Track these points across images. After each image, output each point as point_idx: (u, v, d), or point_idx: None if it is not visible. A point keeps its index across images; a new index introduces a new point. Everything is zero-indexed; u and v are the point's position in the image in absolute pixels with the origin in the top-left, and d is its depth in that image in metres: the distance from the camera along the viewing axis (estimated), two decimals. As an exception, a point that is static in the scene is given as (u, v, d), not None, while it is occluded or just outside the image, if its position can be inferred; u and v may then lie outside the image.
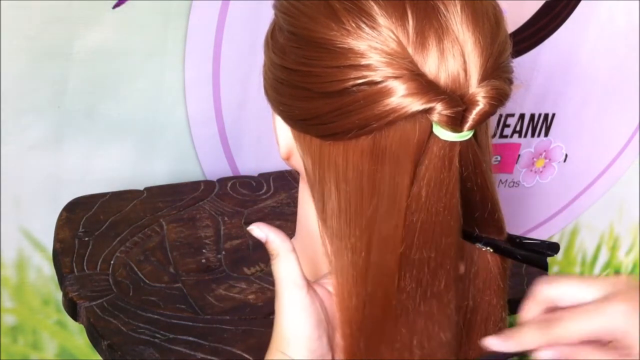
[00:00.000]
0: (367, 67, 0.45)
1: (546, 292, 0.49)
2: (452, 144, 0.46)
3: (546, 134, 1.13)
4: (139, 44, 0.81)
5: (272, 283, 0.69)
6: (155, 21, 0.81)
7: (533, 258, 0.52)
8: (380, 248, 0.49)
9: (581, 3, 1.02)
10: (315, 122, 0.49)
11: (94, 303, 0.64)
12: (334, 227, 0.51)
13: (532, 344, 0.46)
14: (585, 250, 1.29)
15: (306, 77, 0.48)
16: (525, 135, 1.11)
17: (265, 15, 0.56)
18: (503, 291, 0.55)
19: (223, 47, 0.86)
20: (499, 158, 1.12)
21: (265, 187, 0.84)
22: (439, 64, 0.45)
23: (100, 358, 0.63)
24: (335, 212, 0.51)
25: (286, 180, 0.85)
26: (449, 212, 0.47)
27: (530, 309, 0.49)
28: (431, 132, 0.46)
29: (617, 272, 1.34)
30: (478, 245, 0.53)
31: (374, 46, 0.45)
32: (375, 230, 0.49)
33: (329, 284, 0.52)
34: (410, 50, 0.45)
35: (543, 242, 0.53)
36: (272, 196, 0.83)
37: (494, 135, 1.09)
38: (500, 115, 1.07)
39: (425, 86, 0.44)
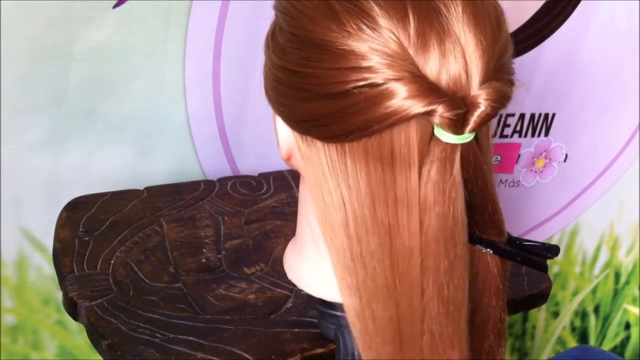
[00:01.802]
0: (368, 69, 0.45)
1: None
2: (454, 146, 0.46)
3: (546, 134, 1.13)
4: (139, 44, 0.81)
5: (272, 283, 0.69)
6: (156, 21, 0.81)
7: (533, 260, 0.53)
8: (402, 256, 0.48)
9: (581, 3, 1.02)
10: (316, 124, 0.49)
11: (94, 303, 0.64)
12: (346, 234, 0.50)
13: None
14: (585, 250, 1.29)
15: (307, 79, 0.48)
16: (526, 135, 1.11)
17: (265, 15, 0.56)
18: (502, 292, 0.55)
19: (223, 47, 0.86)
20: (499, 158, 1.12)
21: (265, 187, 0.84)
22: (440, 66, 0.45)
23: (100, 358, 0.63)
24: (345, 219, 0.49)
25: (286, 180, 0.85)
26: (454, 216, 0.47)
27: None
28: (432, 134, 0.46)
29: (617, 272, 1.35)
30: (478, 246, 0.53)
31: (375, 48, 0.45)
32: (394, 238, 0.48)
33: None
34: (411, 51, 0.45)
35: (543, 244, 0.53)
36: (273, 196, 0.83)
37: (494, 135, 1.09)
38: (501, 115, 1.07)
39: (427, 88, 0.44)
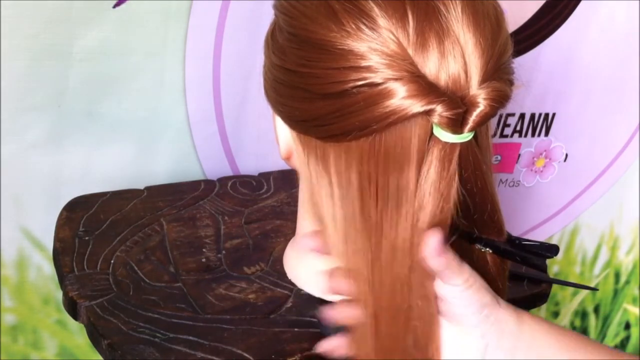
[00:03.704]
0: (367, 68, 0.45)
1: None
2: (453, 145, 0.46)
3: (546, 134, 1.13)
4: (139, 44, 0.81)
5: (272, 283, 0.69)
6: (156, 21, 0.81)
7: (532, 260, 0.53)
8: (390, 254, 0.49)
9: (581, 3, 1.02)
10: (315, 124, 0.49)
11: (94, 302, 0.64)
12: (339, 231, 0.50)
13: None
14: (585, 250, 1.29)
15: (306, 79, 0.48)
16: (526, 135, 1.11)
17: (265, 15, 0.56)
18: (502, 292, 0.55)
19: (223, 47, 0.86)
20: (499, 158, 1.12)
21: (265, 187, 0.84)
22: (439, 65, 0.45)
23: (101, 357, 0.63)
24: (338, 216, 0.50)
25: (286, 180, 0.85)
26: (444, 213, 0.48)
27: None
28: (431, 133, 0.46)
29: (617, 272, 1.35)
30: (477, 246, 0.53)
31: (374, 47, 0.45)
32: (384, 236, 0.49)
33: None
34: (410, 51, 0.45)
35: (542, 244, 0.53)
36: (273, 195, 0.83)
37: (494, 135, 1.09)
38: (501, 115, 1.07)
39: (426, 88, 0.44)
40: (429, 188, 0.47)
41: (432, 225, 0.47)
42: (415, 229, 0.48)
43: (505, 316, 0.51)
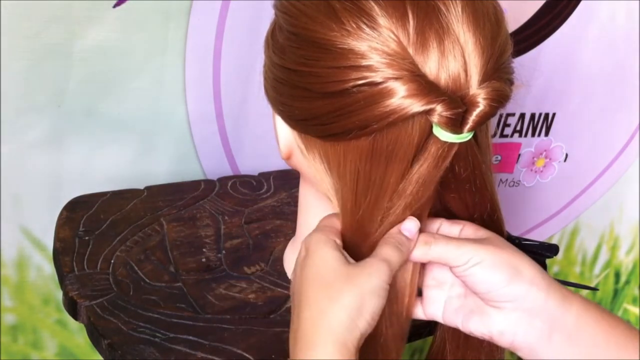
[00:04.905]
0: (368, 67, 0.45)
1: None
2: (451, 144, 0.46)
3: (546, 134, 1.13)
4: (139, 43, 0.81)
5: (272, 283, 0.69)
6: (156, 20, 0.81)
7: (532, 259, 0.53)
8: (359, 238, 0.51)
9: (582, 3, 1.02)
10: (315, 123, 0.49)
11: (95, 302, 0.64)
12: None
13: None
14: (585, 250, 1.29)
15: (306, 78, 0.48)
16: (526, 135, 1.11)
17: (265, 15, 0.56)
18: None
19: (223, 46, 0.86)
20: (499, 157, 1.12)
21: (265, 187, 0.84)
22: (439, 65, 0.45)
23: (101, 357, 0.63)
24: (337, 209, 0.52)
25: (286, 180, 0.85)
26: (421, 208, 0.49)
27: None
28: (430, 132, 0.46)
29: (617, 272, 1.35)
30: (478, 245, 0.53)
31: (375, 47, 0.45)
32: (363, 225, 0.50)
33: None
34: (410, 50, 0.45)
35: (542, 243, 0.53)
36: (273, 195, 0.83)
37: (495, 135, 1.09)
38: (501, 115, 1.07)
39: (426, 87, 0.44)
40: (413, 184, 0.47)
41: (402, 218, 0.49)
42: (397, 217, 0.48)
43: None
